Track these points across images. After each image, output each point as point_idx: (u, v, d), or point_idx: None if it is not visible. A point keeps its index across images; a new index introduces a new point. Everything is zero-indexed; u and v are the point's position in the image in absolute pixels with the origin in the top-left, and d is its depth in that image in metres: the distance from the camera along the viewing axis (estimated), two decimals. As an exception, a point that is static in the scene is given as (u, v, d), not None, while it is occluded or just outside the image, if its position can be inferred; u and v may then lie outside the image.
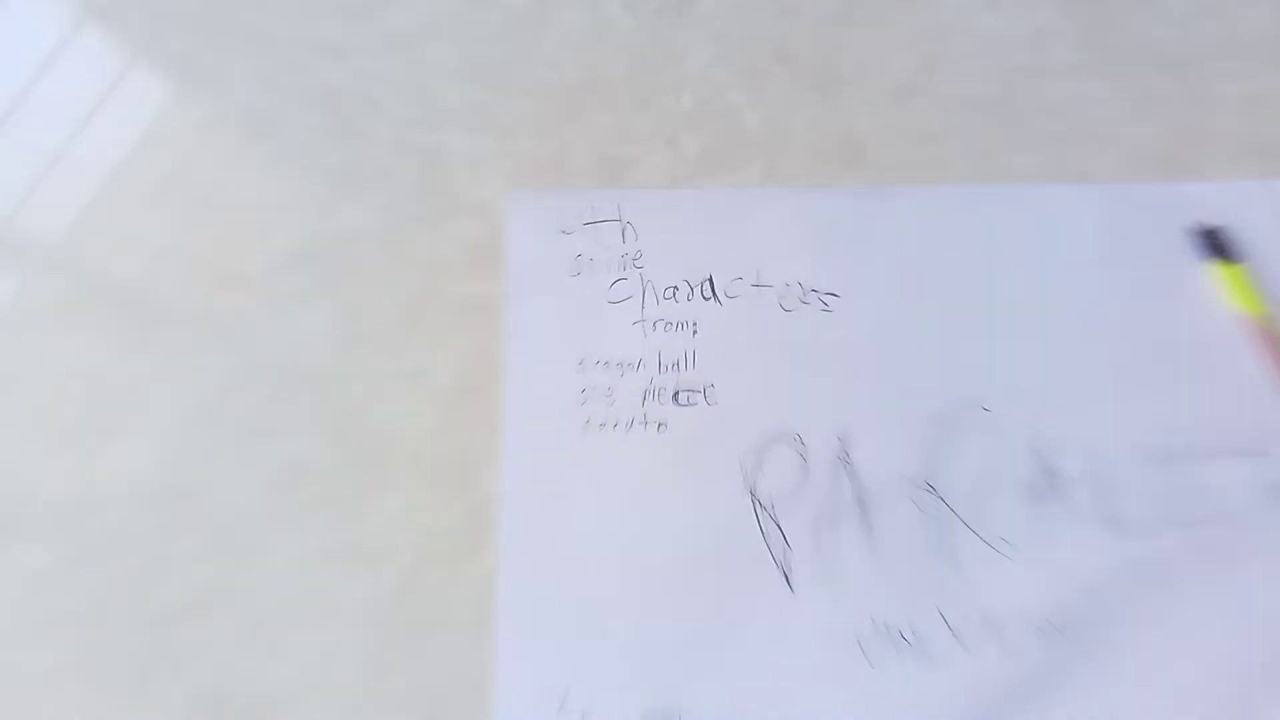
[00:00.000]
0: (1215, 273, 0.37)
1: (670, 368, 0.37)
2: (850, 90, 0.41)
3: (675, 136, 0.40)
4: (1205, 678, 0.33)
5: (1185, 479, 0.35)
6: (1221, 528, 0.35)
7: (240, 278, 0.38)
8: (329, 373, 0.37)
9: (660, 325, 0.37)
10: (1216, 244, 0.38)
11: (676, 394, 0.37)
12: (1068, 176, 0.39)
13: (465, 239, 0.39)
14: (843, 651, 0.34)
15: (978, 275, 0.38)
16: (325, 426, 0.36)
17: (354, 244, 0.39)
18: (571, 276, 0.38)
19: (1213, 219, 0.38)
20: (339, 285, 0.38)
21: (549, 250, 0.38)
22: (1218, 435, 0.36)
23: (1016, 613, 0.34)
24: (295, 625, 0.34)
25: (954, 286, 0.38)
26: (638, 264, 0.38)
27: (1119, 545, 0.35)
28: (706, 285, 0.38)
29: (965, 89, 0.41)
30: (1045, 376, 0.37)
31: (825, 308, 0.38)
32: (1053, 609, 0.34)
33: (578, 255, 0.38)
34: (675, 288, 0.38)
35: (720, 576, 0.35)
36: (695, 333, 0.37)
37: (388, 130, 0.41)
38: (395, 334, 0.38)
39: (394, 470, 0.36)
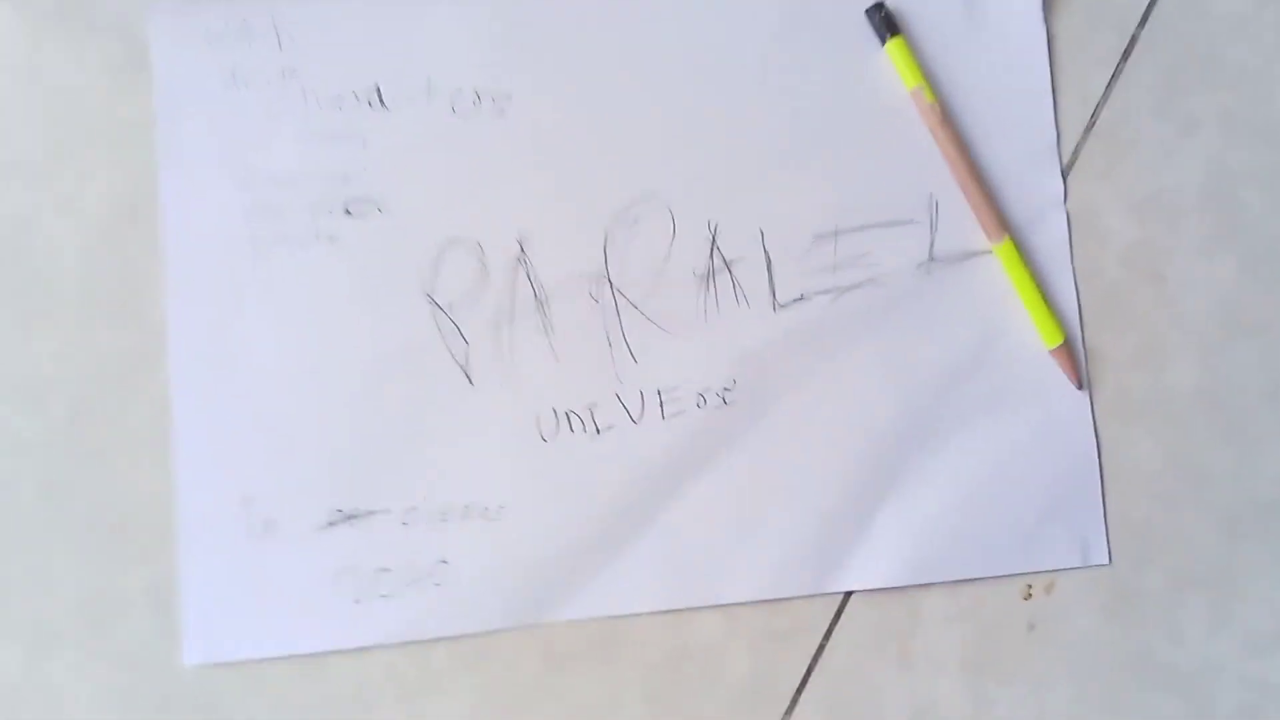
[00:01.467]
0: (890, 52, 0.38)
1: (339, 180, 0.37)
2: None
3: (332, -69, 0.38)
4: (854, 428, 0.37)
5: (843, 251, 0.38)
6: (873, 292, 0.37)
7: None
8: (-26, 209, 0.36)
9: (325, 138, 0.37)
10: (883, 19, 0.38)
11: (347, 206, 0.37)
12: (745, -41, 0.39)
13: (107, 58, 0.37)
14: (520, 434, 0.36)
15: (653, 69, 0.38)
16: None
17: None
18: (226, 90, 0.36)
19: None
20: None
21: (199, 65, 0.36)
22: (875, 207, 0.38)
23: (684, 386, 0.37)
24: None
25: (629, 82, 0.38)
26: (297, 75, 0.37)
27: (779, 316, 0.37)
28: (373, 94, 0.37)
29: None
30: (720, 164, 0.38)
31: (499, 111, 0.37)
32: (718, 380, 0.37)
33: (232, 68, 0.36)
34: (339, 97, 0.37)
35: (401, 379, 0.36)
36: (364, 143, 0.37)
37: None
38: (43, 164, 0.36)
39: (55, 303, 0.36)
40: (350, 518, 0.36)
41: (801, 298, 0.37)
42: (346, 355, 0.36)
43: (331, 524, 0.36)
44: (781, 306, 0.37)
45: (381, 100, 0.37)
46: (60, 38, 0.37)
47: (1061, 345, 0.37)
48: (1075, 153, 0.39)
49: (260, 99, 0.37)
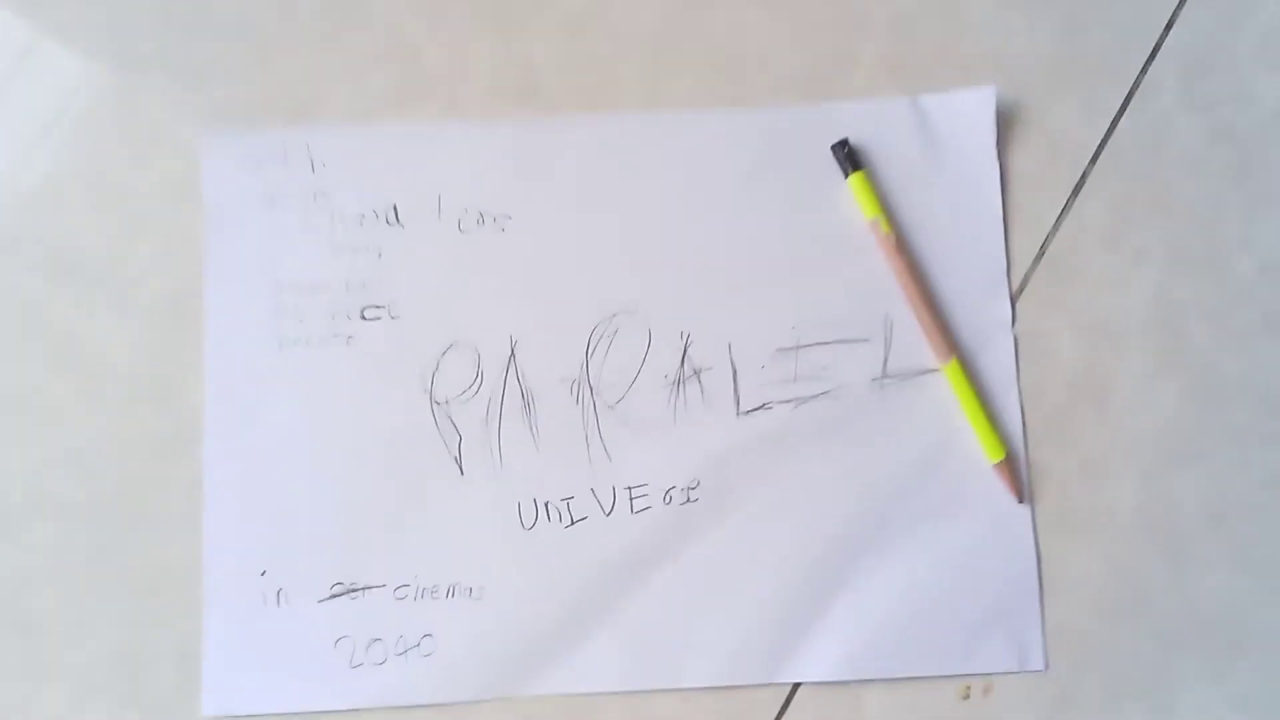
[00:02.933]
0: (852, 185, 0.42)
1: (357, 288, 0.42)
2: (526, 26, 0.44)
3: (361, 76, 0.43)
4: (809, 529, 0.40)
5: (803, 365, 0.41)
6: (829, 403, 0.41)
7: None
8: (43, 302, 0.42)
9: (348, 250, 0.42)
10: (846, 155, 0.42)
11: (363, 311, 0.41)
12: (723, 102, 0.43)
13: (165, 175, 0.42)
14: (503, 522, 0.40)
15: (638, 195, 0.42)
16: (43, 352, 0.41)
17: (60, 184, 0.42)
18: (264, 209, 0.42)
19: (858, 136, 0.42)
20: (48, 224, 0.42)
21: (243, 185, 0.42)
22: (834, 326, 0.41)
23: (653, 483, 0.40)
24: (29, 521, 0.40)
25: (617, 206, 0.42)
26: (325, 196, 0.42)
27: (743, 422, 0.41)
28: (390, 212, 0.42)
29: (632, 20, 0.44)
30: (692, 283, 0.42)
31: (500, 229, 0.42)
32: (685, 479, 0.41)
33: (269, 189, 0.42)
34: (362, 215, 0.42)
35: (400, 468, 0.41)
36: (380, 255, 0.42)
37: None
38: (104, 264, 0.42)
39: (108, 389, 0.41)
40: (349, 590, 0.40)
41: (764, 406, 0.41)
42: (354, 444, 0.41)
43: (333, 596, 0.40)
44: (745, 413, 0.41)
45: (398, 218, 0.42)
46: (126, 154, 0.43)
47: (1004, 460, 0.40)
48: (1025, 280, 0.42)
49: (293, 216, 0.42)
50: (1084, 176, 0.43)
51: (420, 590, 0.40)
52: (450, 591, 0.40)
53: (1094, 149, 0.43)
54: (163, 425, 0.41)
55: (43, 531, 0.41)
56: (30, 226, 0.42)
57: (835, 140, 0.42)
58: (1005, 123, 0.42)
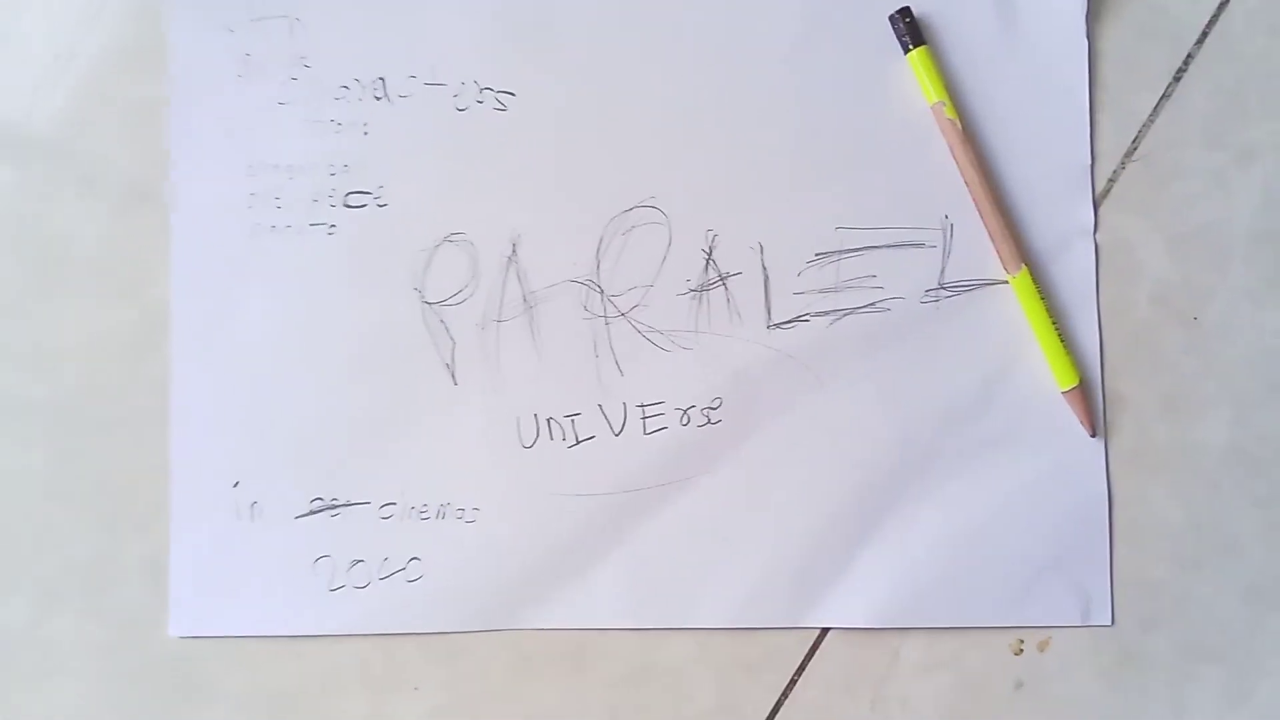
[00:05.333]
0: (913, 62, 0.36)
1: (341, 170, 0.37)
2: None
3: (349, -77, 0.38)
4: (844, 460, 0.36)
5: (846, 272, 0.36)
6: (875, 318, 0.36)
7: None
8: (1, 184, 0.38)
9: (331, 126, 0.37)
10: (907, 26, 0.36)
11: (347, 197, 0.37)
12: (767, -40, 0.37)
13: (125, 39, 0.38)
14: (500, 438, 0.36)
15: (660, 71, 0.37)
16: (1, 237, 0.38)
17: (9, 51, 0.38)
18: (237, 77, 0.37)
19: (923, 4, 0.36)
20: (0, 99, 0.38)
21: (213, 51, 0.37)
22: (884, 228, 0.36)
23: (669, 401, 0.36)
24: None
25: (636, 83, 0.37)
26: (306, 63, 0.37)
27: (774, 336, 0.36)
28: (378, 84, 0.37)
29: None
30: (721, 175, 0.36)
31: (500, 107, 0.37)
32: (705, 398, 0.36)
33: (245, 54, 0.37)
34: (346, 87, 0.37)
35: (386, 372, 0.37)
36: (366, 133, 0.37)
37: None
38: (63, 143, 0.38)
39: (69, 277, 0.37)
40: (330, 507, 0.36)
41: (799, 318, 0.36)
42: (335, 345, 0.37)
43: (312, 512, 0.36)
44: (776, 326, 0.36)
45: (386, 92, 0.37)
46: (82, 17, 0.38)
47: (1076, 388, 0.35)
48: (1112, 179, 0.36)
49: (269, 87, 0.37)
50: (1187, 60, 0.36)
51: (408, 509, 0.36)
52: (440, 512, 0.36)
53: (1201, 29, 0.36)
54: (128, 318, 0.37)
55: (0, 431, 0.37)
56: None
57: (895, 8, 0.36)
58: (1098, -6, 0.37)
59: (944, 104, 0.35)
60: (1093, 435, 0.35)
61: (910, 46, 0.36)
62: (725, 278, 0.36)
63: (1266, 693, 0.35)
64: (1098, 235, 0.36)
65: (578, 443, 0.36)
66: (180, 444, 0.37)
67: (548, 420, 0.36)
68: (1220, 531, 0.35)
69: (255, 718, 0.36)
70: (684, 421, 0.36)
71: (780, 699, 0.36)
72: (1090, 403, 0.35)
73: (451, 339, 0.37)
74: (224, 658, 0.37)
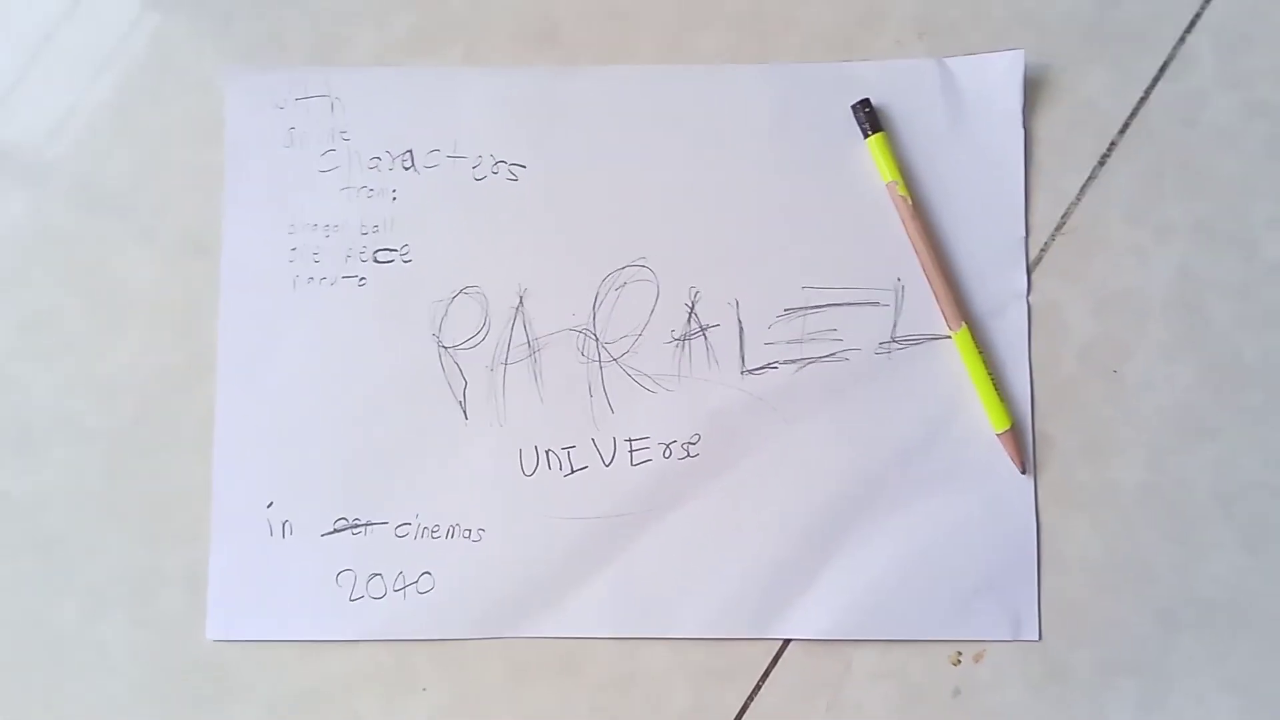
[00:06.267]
0: (871, 146, 0.41)
1: (371, 230, 0.42)
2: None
3: (384, 18, 0.43)
4: (808, 489, 0.40)
5: (811, 326, 0.41)
6: (835, 366, 0.41)
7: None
8: (70, 233, 0.43)
9: (364, 192, 0.42)
10: (867, 115, 0.41)
11: (376, 253, 0.42)
12: (746, 59, 0.42)
13: (189, 112, 0.43)
14: (504, 467, 0.41)
15: (653, 148, 0.42)
16: (67, 280, 0.42)
17: (89, 119, 0.43)
18: (284, 148, 0.42)
19: (881, 96, 0.41)
20: (76, 157, 0.43)
21: (264, 123, 0.42)
22: (844, 288, 0.41)
23: (653, 436, 0.41)
24: (48, 443, 0.41)
25: (632, 158, 0.42)
26: (345, 136, 0.42)
27: (746, 381, 0.41)
28: (407, 156, 0.42)
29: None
30: (703, 239, 0.41)
31: (512, 177, 0.42)
32: (686, 433, 0.41)
33: (290, 128, 0.42)
34: (378, 158, 0.42)
35: (406, 409, 0.41)
36: (395, 199, 0.42)
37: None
38: (129, 198, 0.43)
39: (127, 318, 0.42)
40: (352, 526, 0.41)
41: (769, 365, 0.41)
42: (362, 383, 0.41)
43: (336, 530, 0.41)
44: (749, 372, 0.41)
45: (414, 162, 0.42)
46: (152, 91, 0.43)
47: (1008, 430, 0.39)
48: (1044, 249, 0.41)
49: (312, 155, 0.42)
50: (1111, 147, 0.41)
51: (421, 529, 0.41)
52: (450, 532, 0.41)
53: (1124, 119, 0.42)
54: (179, 356, 0.42)
55: (61, 454, 0.42)
56: (59, 159, 0.43)
57: (856, 100, 0.41)
58: (1034, 88, 0.41)
59: (897, 183, 0.41)
60: (1023, 473, 0.40)
61: (869, 132, 0.41)
62: (705, 329, 0.41)
63: (1177, 703, 0.39)
64: (1030, 298, 0.41)
65: (573, 472, 0.41)
66: (221, 468, 0.41)
67: (546, 451, 0.41)
68: (1135, 560, 0.39)
69: (282, 713, 0.40)
70: (666, 455, 0.41)
71: (746, 702, 0.40)
72: (1021, 444, 0.40)
73: (464, 379, 0.41)
74: (255, 659, 0.41)
